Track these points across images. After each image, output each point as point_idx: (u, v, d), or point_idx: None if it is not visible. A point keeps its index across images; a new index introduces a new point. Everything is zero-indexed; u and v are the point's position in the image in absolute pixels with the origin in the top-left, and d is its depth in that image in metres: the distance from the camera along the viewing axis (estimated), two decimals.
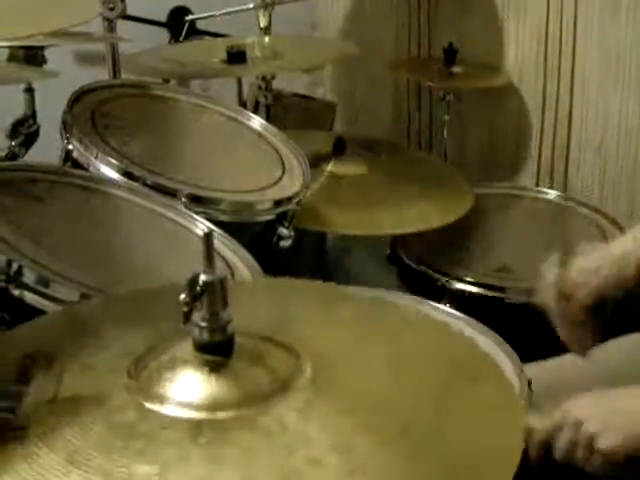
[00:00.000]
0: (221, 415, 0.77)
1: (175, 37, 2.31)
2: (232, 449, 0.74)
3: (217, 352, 0.82)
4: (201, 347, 0.82)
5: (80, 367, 0.86)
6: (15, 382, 0.84)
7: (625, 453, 1.07)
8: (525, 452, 0.76)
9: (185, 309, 0.79)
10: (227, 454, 0.74)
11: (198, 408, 0.78)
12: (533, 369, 1.34)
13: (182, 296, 0.79)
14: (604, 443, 1.06)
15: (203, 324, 0.81)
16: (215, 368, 0.81)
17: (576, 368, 1.36)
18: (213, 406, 0.78)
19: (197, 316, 0.81)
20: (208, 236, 0.80)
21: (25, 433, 0.76)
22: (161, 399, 0.79)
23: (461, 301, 1.75)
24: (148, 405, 0.79)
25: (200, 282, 0.79)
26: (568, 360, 1.39)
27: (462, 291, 1.79)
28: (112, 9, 1.87)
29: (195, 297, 0.79)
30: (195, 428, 0.76)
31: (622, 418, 1.08)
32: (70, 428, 0.76)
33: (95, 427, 0.76)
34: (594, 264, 1.25)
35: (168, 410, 0.78)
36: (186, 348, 0.82)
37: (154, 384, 0.81)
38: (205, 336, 0.81)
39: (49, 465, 0.72)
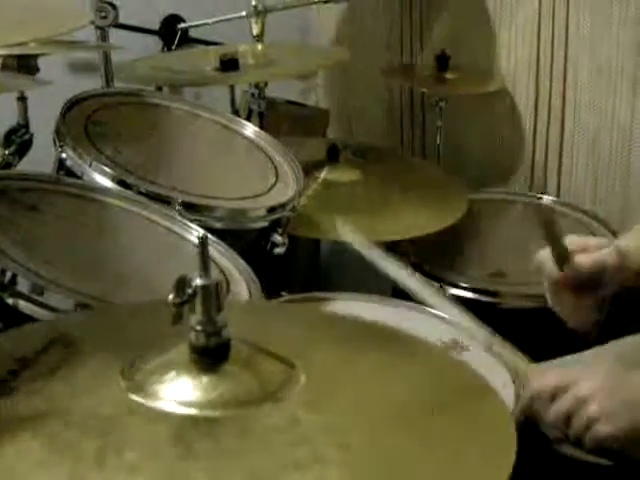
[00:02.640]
0: (213, 416, 0.78)
1: (168, 45, 2.31)
2: (221, 450, 0.75)
3: (213, 356, 0.82)
4: (197, 350, 0.82)
5: (75, 366, 0.86)
6: (34, 352, 0.87)
7: (621, 445, 1.06)
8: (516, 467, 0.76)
9: (173, 310, 0.80)
10: (214, 454, 0.74)
11: (191, 408, 0.79)
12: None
13: (170, 297, 0.80)
14: (603, 429, 1.05)
15: (199, 327, 0.81)
16: (210, 371, 0.81)
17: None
18: (206, 407, 0.79)
19: (193, 320, 0.81)
20: (203, 240, 0.80)
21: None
22: (155, 400, 0.79)
23: None
24: (142, 404, 0.79)
25: (190, 285, 0.80)
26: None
27: (457, 296, 1.79)
28: (104, 17, 1.88)
29: (184, 299, 0.80)
30: (186, 428, 0.77)
31: (629, 411, 1.07)
32: (62, 424, 0.77)
33: (87, 426, 0.77)
34: (598, 249, 1.24)
35: (161, 410, 0.79)
36: (182, 351, 0.83)
37: (148, 385, 0.81)
38: (201, 340, 0.82)
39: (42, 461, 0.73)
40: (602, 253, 1.21)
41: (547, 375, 1.13)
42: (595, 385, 1.09)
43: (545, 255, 1.23)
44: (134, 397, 0.80)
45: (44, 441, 0.74)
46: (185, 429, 0.77)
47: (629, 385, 1.09)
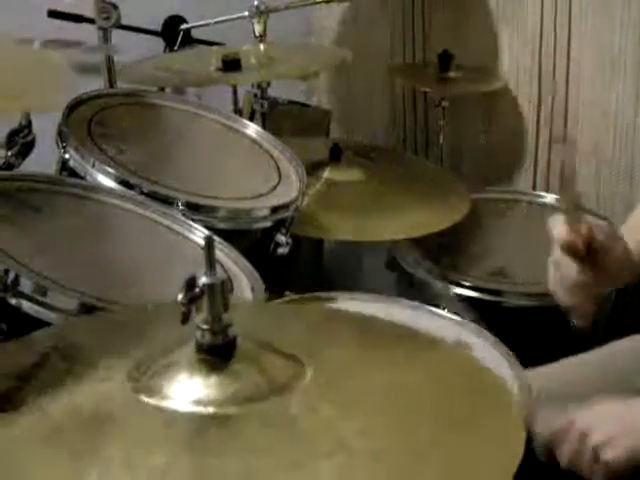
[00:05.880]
0: (231, 413, 0.78)
1: (170, 46, 2.31)
2: (231, 446, 0.75)
3: (219, 354, 0.82)
4: (203, 349, 0.82)
5: (82, 368, 0.86)
6: (32, 365, 0.86)
7: (630, 465, 1.06)
8: (523, 461, 0.76)
9: (183, 310, 0.80)
10: (224, 451, 0.74)
11: (208, 407, 0.79)
12: (533, 374, 1.34)
13: (180, 297, 0.80)
14: (610, 454, 1.06)
15: (205, 326, 0.82)
16: (216, 370, 0.81)
17: (578, 371, 1.36)
18: (222, 404, 0.79)
19: (199, 318, 0.81)
20: (209, 239, 0.81)
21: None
22: (168, 401, 0.80)
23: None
24: (156, 407, 0.79)
25: (199, 284, 0.80)
26: (569, 363, 1.39)
27: (460, 296, 1.79)
28: (107, 18, 1.88)
29: (193, 298, 0.80)
30: (207, 427, 0.77)
31: (630, 434, 1.07)
32: (80, 434, 0.77)
33: (105, 432, 0.77)
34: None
35: (168, 409, 0.79)
36: (188, 350, 0.83)
37: (159, 387, 0.81)
38: (207, 338, 0.82)
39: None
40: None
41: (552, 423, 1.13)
42: (593, 416, 1.09)
43: (557, 218, 1.18)
44: (148, 400, 0.80)
45: (67, 452, 0.74)
46: (205, 428, 0.77)
47: (625, 413, 1.11)
